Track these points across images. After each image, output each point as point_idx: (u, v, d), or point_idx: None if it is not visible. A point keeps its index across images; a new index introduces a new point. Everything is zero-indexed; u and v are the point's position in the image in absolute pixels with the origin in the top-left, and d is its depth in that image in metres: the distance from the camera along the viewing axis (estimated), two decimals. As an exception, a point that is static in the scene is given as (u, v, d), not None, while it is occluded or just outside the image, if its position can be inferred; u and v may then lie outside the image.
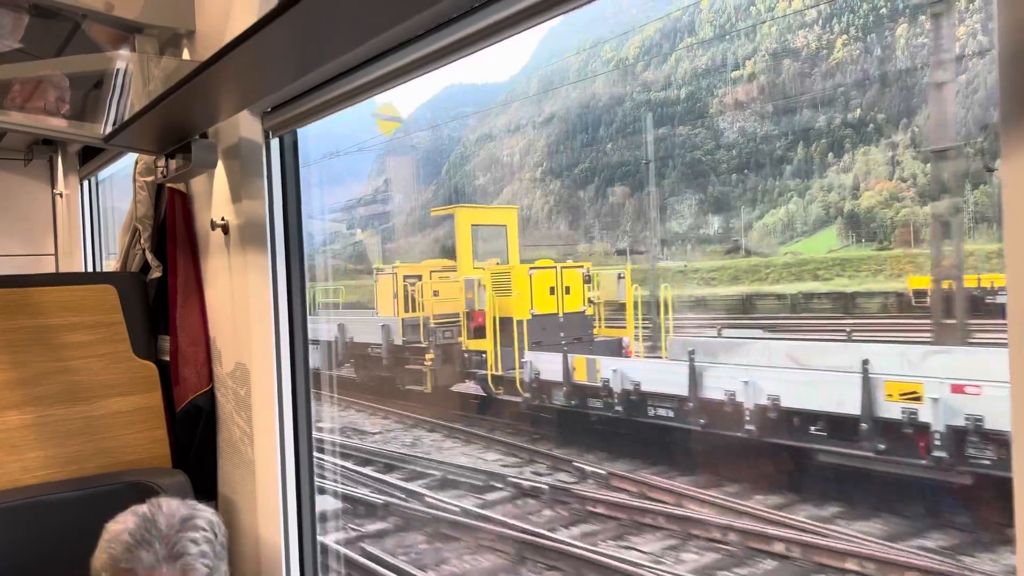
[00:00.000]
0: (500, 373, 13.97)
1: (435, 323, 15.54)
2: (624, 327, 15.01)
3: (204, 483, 2.38)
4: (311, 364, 2.29)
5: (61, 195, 4.20)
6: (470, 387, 15.03)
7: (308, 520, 2.21)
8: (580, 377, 12.00)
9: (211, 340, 2.43)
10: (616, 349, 14.42)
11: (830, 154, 51.06)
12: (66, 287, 2.40)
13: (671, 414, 10.57)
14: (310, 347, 2.29)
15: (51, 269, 4.29)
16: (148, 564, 1.44)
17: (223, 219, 2.27)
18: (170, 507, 1.55)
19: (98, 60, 2.84)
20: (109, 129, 2.95)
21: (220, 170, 2.28)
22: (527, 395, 12.99)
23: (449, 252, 17.50)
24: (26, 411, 2.24)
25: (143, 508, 1.54)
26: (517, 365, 13.45)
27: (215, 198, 2.34)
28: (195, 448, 2.42)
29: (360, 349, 17.23)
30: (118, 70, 2.92)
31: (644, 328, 15.53)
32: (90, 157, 3.91)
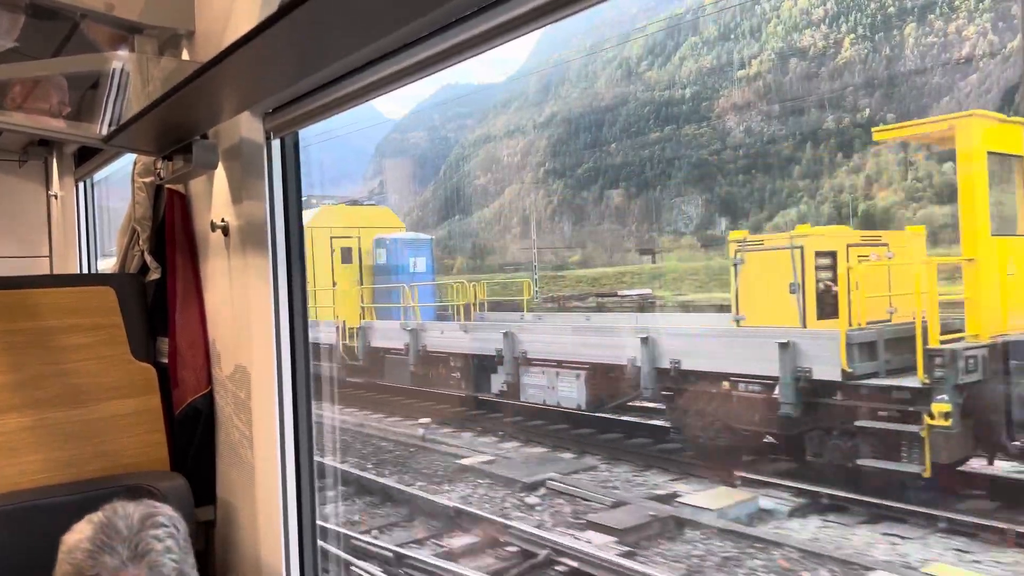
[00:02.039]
0: None
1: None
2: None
3: (203, 487, 2.41)
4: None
5: (56, 197, 4.25)
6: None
7: (308, 524, 2.25)
8: None
9: (210, 342, 2.46)
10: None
11: (839, 154, 51.14)
12: (64, 289, 2.44)
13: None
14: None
15: (45, 271, 4.34)
16: (113, 567, 1.44)
17: (223, 220, 2.31)
18: (126, 509, 1.55)
19: (95, 60, 2.89)
20: (106, 129, 2.99)
21: (220, 171, 2.32)
22: None
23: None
24: (24, 414, 2.28)
25: (98, 515, 1.54)
26: None
27: (215, 199, 2.38)
28: (194, 451, 2.46)
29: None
30: (115, 70, 2.97)
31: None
32: (86, 158, 3.96)
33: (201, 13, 2.41)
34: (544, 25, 1.50)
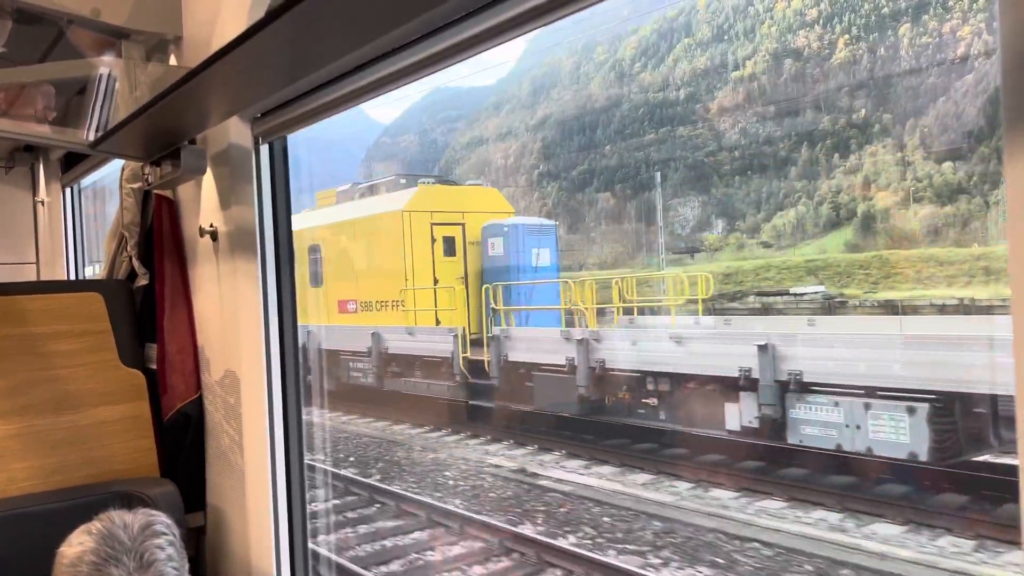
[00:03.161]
0: None
1: None
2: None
3: (193, 493, 2.43)
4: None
5: (43, 203, 4.26)
6: None
7: (299, 530, 2.27)
8: None
9: (199, 348, 2.49)
10: None
11: (835, 155, 51.34)
12: (52, 295, 2.46)
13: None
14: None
15: (32, 277, 4.35)
16: None
17: (212, 226, 2.34)
18: (123, 519, 1.55)
19: (82, 66, 2.92)
20: (92, 135, 3.02)
21: (209, 176, 2.35)
22: None
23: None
24: (11, 421, 2.29)
25: (96, 525, 1.53)
26: None
27: (203, 204, 2.41)
28: (184, 457, 2.48)
29: None
30: (102, 76, 3.00)
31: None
32: (72, 164, 3.98)
33: (188, 18, 2.44)
34: (531, 30, 1.53)
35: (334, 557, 7.54)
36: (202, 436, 2.50)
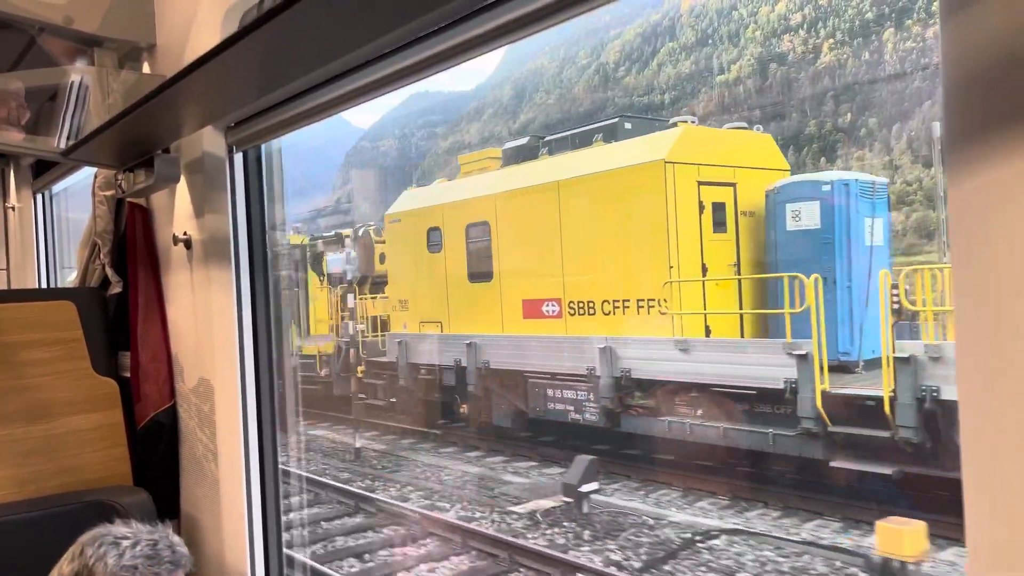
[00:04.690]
0: None
1: None
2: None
3: (166, 501, 2.47)
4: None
5: (13, 209, 4.28)
6: None
7: (274, 537, 2.32)
8: None
9: (173, 356, 2.53)
10: None
11: (822, 159, 51.85)
12: (23, 303, 2.49)
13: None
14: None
15: (2, 285, 4.35)
16: None
17: (185, 234, 2.39)
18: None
19: (54, 74, 2.95)
20: (64, 142, 3.05)
21: (182, 185, 2.40)
22: None
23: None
24: None
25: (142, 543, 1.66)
26: None
27: (177, 213, 2.45)
28: (157, 466, 2.52)
29: None
30: (74, 83, 3.03)
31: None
32: (44, 170, 4.00)
33: (161, 26, 2.49)
34: (507, 44, 1.58)
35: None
36: (176, 444, 2.54)
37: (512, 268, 13.27)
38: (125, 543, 1.63)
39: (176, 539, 1.72)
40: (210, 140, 2.27)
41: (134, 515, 2.05)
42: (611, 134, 12.76)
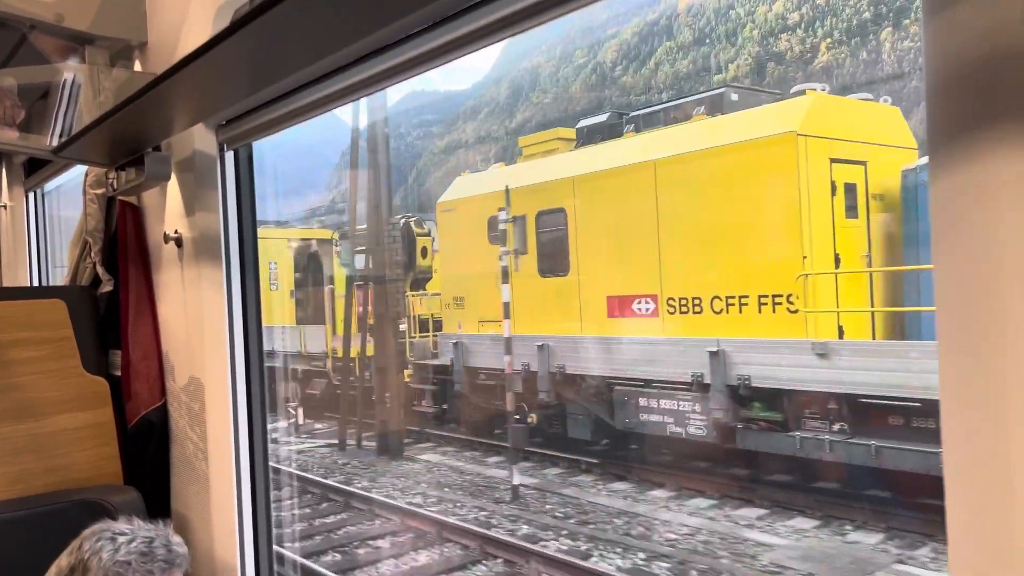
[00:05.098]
0: None
1: None
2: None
3: (157, 500, 2.47)
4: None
5: (5, 207, 4.27)
6: None
7: (264, 535, 2.32)
8: None
9: (164, 354, 2.53)
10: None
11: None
12: (13, 302, 2.50)
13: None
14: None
15: None
16: None
17: (176, 232, 2.39)
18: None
19: (46, 71, 2.95)
20: (56, 140, 3.05)
21: (173, 183, 2.40)
22: None
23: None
24: None
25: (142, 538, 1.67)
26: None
27: (168, 211, 2.46)
28: (148, 464, 2.52)
29: None
30: (66, 81, 3.03)
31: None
32: (36, 169, 3.99)
33: (153, 24, 2.49)
34: (502, 39, 1.59)
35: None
36: (166, 443, 2.54)
37: (594, 260, 11.65)
38: (122, 539, 1.64)
39: (176, 539, 1.73)
40: (201, 138, 2.28)
41: (124, 514, 2.05)
42: (715, 107, 11.19)
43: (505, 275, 11.88)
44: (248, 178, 2.33)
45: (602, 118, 13.31)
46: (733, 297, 9.86)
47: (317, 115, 2.11)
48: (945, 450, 0.96)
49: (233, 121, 2.22)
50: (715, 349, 9.49)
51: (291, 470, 11.53)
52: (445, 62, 1.72)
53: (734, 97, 11.40)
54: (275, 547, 2.36)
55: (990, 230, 0.89)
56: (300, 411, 16.46)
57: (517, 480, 10.45)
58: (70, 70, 2.82)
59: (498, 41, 1.61)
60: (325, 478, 11.92)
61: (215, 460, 2.32)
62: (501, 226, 12.19)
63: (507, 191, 12.16)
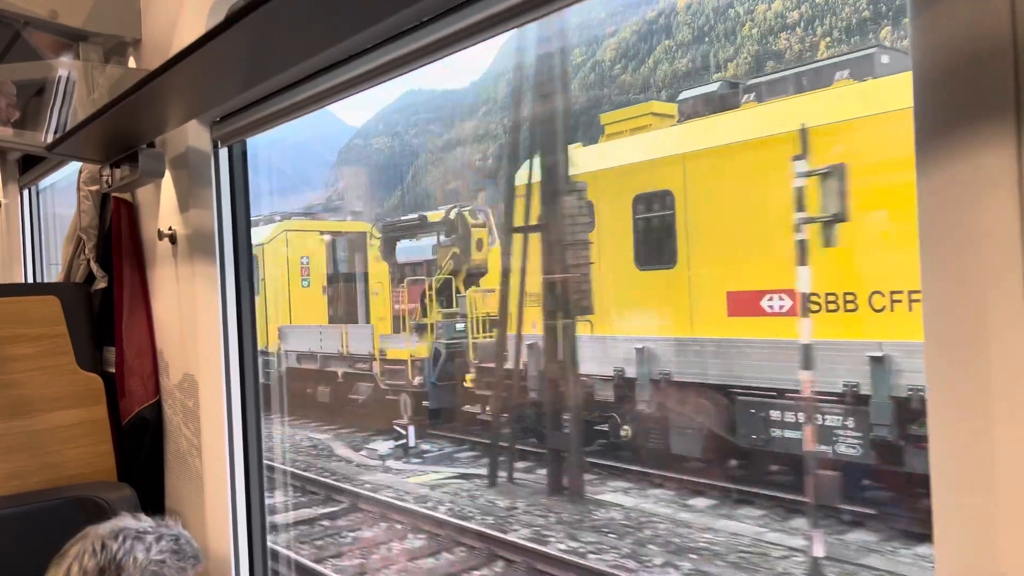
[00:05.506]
0: None
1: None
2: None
3: (151, 497, 2.48)
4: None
5: (0, 204, 4.28)
6: None
7: (258, 532, 2.33)
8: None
9: (158, 351, 2.54)
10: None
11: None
12: (7, 298, 2.50)
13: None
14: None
15: None
16: None
17: (170, 229, 2.39)
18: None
19: (40, 68, 2.95)
20: (50, 137, 3.06)
21: (167, 179, 2.41)
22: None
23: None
24: None
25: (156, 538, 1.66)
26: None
27: (162, 208, 2.46)
28: (142, 461, 2.53)
29: None
30: (60, 77, 3.04)
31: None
32: (31, 165, 4.00)
33: (147, 21, 2.49)
34: (498, 33, 1.59)
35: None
36: (160, 440, 2.54)
37: (710, 250, 9.92)
38: (149, 537, 1.64)
39: (188, 534, 1.74)
40: (195, 135, 2.28)
41: (118, 510, 2.05)
42: (863, 70, 9.61)
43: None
44: (242, 175, 2.33)
45: (712, 87, 11.42)
46: (900, 293, 8.15)
47: (312, 112, 2.12)
48: (931, 446, 0.97)
49: (227, 118, 2.23)
50: (879, 355, 8.08)
51: (453, 521, 8.90)
52: (440, 57, 1.72)
53: (884, 60, 9.83)
54: (269, 542, 2.37)
55: (976, 225, 0.90)
56: (411, 429, 13.57)
57: (820, 550, 7.26)
58: (64, 66, 2.82)
59: (493, 36, 1.62)
60: (504, 532, 8.78)
61: (209, 456, 2.33)
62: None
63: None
